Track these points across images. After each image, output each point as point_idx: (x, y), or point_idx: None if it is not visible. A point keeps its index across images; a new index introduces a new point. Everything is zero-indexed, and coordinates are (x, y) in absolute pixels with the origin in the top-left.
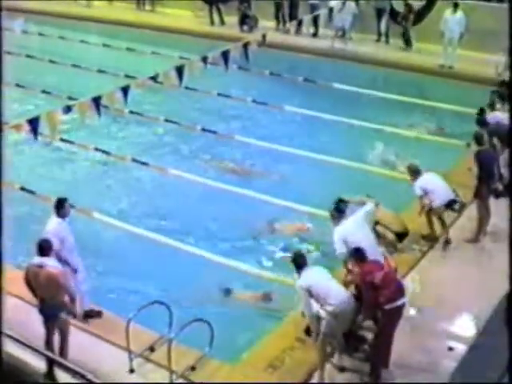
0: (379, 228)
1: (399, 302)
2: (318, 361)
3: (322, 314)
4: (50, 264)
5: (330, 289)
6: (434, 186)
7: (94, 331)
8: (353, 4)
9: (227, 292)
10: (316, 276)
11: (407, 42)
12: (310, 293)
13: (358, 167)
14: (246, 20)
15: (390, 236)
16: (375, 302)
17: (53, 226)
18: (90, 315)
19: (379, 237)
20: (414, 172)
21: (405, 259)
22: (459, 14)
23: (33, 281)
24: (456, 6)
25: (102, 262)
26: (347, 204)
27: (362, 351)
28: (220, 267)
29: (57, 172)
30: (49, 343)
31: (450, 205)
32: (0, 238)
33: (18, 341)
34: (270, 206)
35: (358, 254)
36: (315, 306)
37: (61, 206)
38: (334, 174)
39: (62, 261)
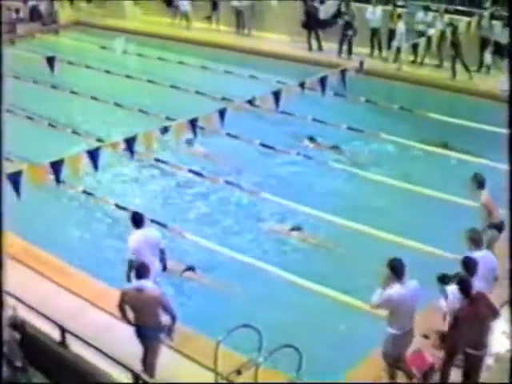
0: None
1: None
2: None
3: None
4: (150, 286)
5: (404, 315)
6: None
7: (183, 350)
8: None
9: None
10: (406, 296)
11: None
12: (389, 306)
13: (452, 200)
14: (346, 32)
15: None
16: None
17: (158, 234)
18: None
19: None
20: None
21: None
22: None
23: (131, 304)
24: None
25: (192, 283)
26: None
27: None
28: (313, 294)
29: (149, 191)
30: (145, 362)
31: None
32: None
33: (104, 354)
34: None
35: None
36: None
37: (141, 220)
38: (427, 206)
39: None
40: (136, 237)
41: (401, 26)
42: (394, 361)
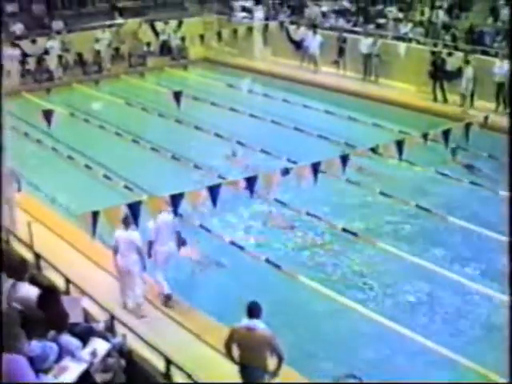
0: None
1: None
2: None
3: None
4: (261, 327)
5: None
6: None
7: None
8: None
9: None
10: None
11: None
12: None
13: None
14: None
15: None
16: None
17: (171, 218)
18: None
19: None
20: None
21: None
22: None
23: (239, 343)
24: None
25: (300, 325)
26: None
27: None
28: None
29: (266, 231)
30: None
31: None
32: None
33: None
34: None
35: None
36: None
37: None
38: None
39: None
40: (154, 221)
41: (468, 71)
42: None
